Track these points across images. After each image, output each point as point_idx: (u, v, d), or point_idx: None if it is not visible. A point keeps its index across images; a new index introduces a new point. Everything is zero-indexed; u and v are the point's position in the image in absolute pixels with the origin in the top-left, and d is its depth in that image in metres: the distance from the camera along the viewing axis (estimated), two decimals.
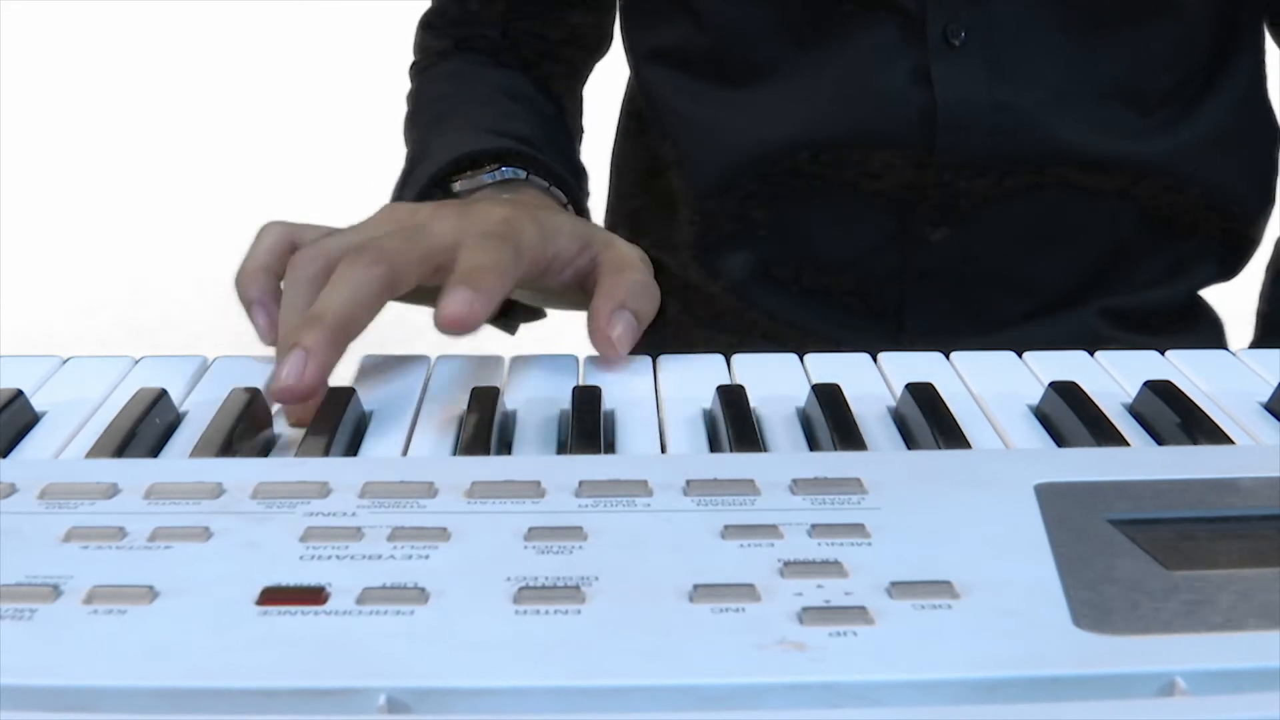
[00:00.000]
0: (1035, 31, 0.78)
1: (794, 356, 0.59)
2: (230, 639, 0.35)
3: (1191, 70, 0.81)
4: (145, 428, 0.50)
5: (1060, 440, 0.51)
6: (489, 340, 0.68)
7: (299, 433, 0.51)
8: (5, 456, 0.49)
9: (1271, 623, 0.36)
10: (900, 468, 0.44)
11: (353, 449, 0.50)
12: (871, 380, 0.57)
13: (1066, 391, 0.52)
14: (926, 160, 0.78)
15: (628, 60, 0.91)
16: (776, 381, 0.56)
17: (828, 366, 0.58)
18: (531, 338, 0.78)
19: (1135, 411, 0.53)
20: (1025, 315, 0.84)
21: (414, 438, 0.51)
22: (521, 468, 0.45)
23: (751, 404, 0.52)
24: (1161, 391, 0.52)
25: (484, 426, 0.50)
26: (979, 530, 0.40)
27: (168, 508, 0.42)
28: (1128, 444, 0.49)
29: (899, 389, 0.54)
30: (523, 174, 0.73)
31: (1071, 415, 0.50)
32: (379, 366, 0.58)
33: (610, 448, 0.51)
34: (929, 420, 0.50)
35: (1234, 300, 0.90)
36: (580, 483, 0.43)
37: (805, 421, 0.53)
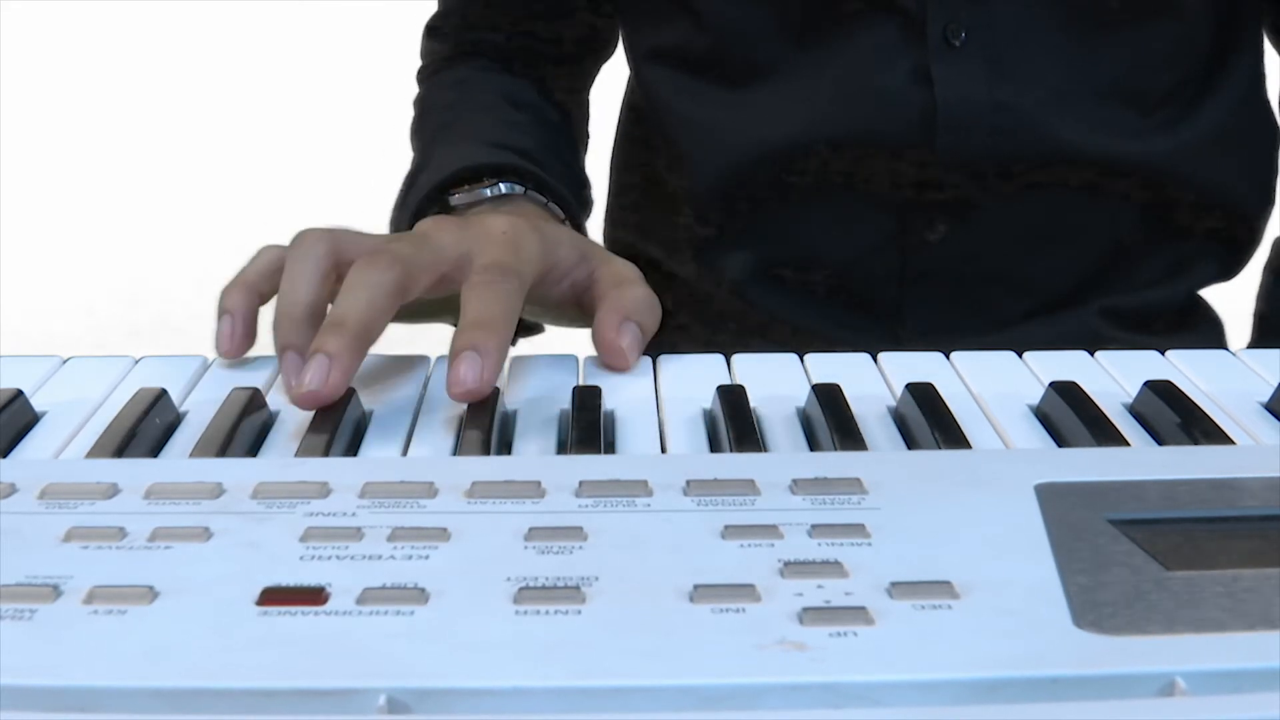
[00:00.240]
0: (1035, 31, 0.78)
1: (794, 356, 0.59)
2: (230, 639, 0.35)
3: (1191, 70, 0.81)
4: (145, 428, 0.50)
5: (1060, 440, 0.51)
6: None
7: (299, 425, 0.51)
8: (5, 456, 0.49)
9: (1271, 623, 0.36)
10: (900, 468, 0.44)
11: (353, 449, 0.50)
12: (871, 380, 0.57)
13: (1067, 391, 0.52)
14: (926, 160, 0.78)
15: (628, 60, 0.91)
16: (776, 381, 0.56)
17: (828, 366, 0.58)
18: (532, 338, 0.79)
19: (1135, 411, 0.53)
20: (1025, 315, 0.84)
21: (414, 438, 0.51)
22: (521, 468, 0.45)
23: (752, 404, 0.52)
24: (1162, 391, 0.52)
25: (484, 426, 0.50)
26: (979, 530, 0.40)
27: (168, 508, 0.42)
28: (1128, 444, 0.49)
29: (899, 389, 0.54)
30: (521, 189, 0.73)
31: (1072, 415, 0.50)
32: (379, 366, 0.58)
33: (610, 448, 0.51)
34: (929, 420, 0.50)
35: (1234, 300, 0.90)
36: (580, 483, 0.43)
37: (805, 421, 0.53)
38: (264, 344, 0.58)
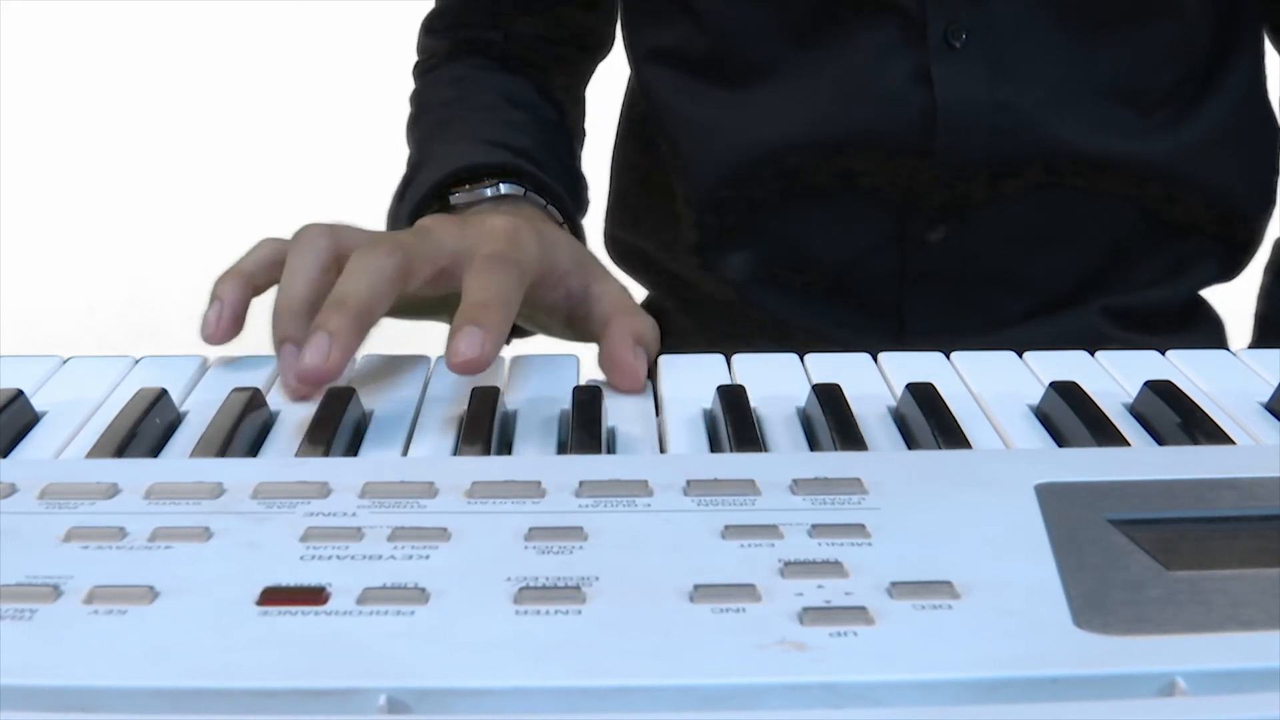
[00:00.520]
0: (1035, 31, 0.78)
1: (794, 356, 0.59)
2: (230, 639, 0.35)
3: (1191, 70, 0.81)
4: (145, 428, 0.50)
5: (1060, 440, 0.51)
6: None
7: (299, 425, 0.51)
8: (5, 456, 0.49)
9: (1271, 623, 0.36)
10: (900, 468, 0.44)
11: (353, 449, 0.50)
12: (872, 380, 0.57)
13: (1067, 391, 0.52)
14: (927, 160, 0.78)
15: (628, 60, 0.91)
16: (777, 381, 0.56)
17: (828, 366, 0.58)
18: (531, 338, 0.78)
19: (1136, 411, 0.53)
20: (1025, 315, 0.84)
21: (414, 438, 0.51)
22: (521, 468, 0.45)
23: (752, 404, 0.52)
24: (1162, 391, 0.52)
25: (484, 427, 0.50)
26: (979, 530, 0.40)
27: (168, 508, 0.42)
28: (1128, 444, 0.49)
29: (899, 389, 0.54)
30: (520, 190, 0.73)
31: (1072, 415, 0.50)
32: (379, 366, 0.58)
33: (610, 448, 0.51)
34: (929, 420, 0.50)
35: (1234, 300, 0.90)
36: (580, 483, 0.43)
37: (806, 421, 0.53)
38: (264, 344, 0.58)
